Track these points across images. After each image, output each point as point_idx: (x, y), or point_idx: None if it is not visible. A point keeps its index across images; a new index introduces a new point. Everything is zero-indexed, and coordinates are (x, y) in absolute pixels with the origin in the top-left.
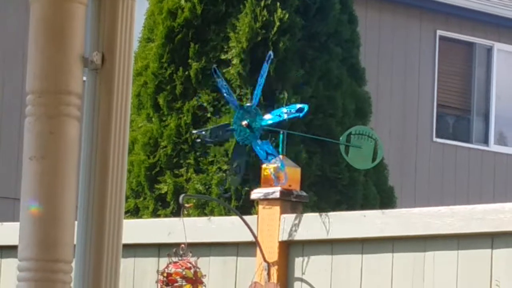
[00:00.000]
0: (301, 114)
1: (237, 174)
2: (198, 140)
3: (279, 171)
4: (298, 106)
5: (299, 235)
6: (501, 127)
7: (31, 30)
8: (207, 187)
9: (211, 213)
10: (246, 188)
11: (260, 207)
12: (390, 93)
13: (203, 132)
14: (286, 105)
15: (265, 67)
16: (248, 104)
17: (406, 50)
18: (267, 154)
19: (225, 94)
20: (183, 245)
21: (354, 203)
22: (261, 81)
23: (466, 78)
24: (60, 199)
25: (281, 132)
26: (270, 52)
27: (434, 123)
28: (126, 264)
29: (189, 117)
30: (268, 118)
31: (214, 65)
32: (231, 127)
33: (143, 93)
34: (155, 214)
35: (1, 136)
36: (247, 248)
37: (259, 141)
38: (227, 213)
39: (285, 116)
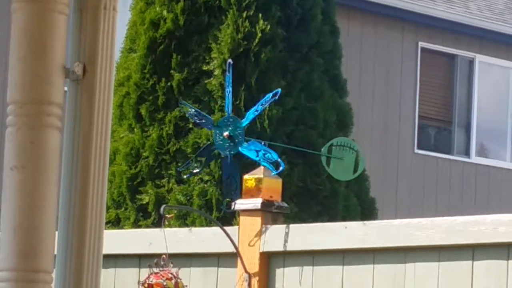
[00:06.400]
0: (276, 97)
1: (233, 186)
2: (186, 176)
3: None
4: (271, 94)
5: (280, 246)
6: (482, 139)
7: (12, 40)
8: (188, 197)
9: (193, 223)
10: (227, 199)
11: (241, 218)
12: (372, 104)
13: (189, 165)
14: (267, 116)
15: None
16: (224, 117)
17: (388, 61)
18: (257, 152)
19: (197, 121)
20: (164, 256)
21: (335, 214)
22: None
23: (448, 90)
24: (40, 209)
25: (263, 143)
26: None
27: (416, 134)
28: (107, 275)
29: (171, 127)
30: (246, 118)
31: (181, 102)
32: (213, 146)
33: (125, 104)
34: (136, 224)
35: None
36: (228, 259)
37: (245, 144)
38: (209, 224)
39: (261, 107)
